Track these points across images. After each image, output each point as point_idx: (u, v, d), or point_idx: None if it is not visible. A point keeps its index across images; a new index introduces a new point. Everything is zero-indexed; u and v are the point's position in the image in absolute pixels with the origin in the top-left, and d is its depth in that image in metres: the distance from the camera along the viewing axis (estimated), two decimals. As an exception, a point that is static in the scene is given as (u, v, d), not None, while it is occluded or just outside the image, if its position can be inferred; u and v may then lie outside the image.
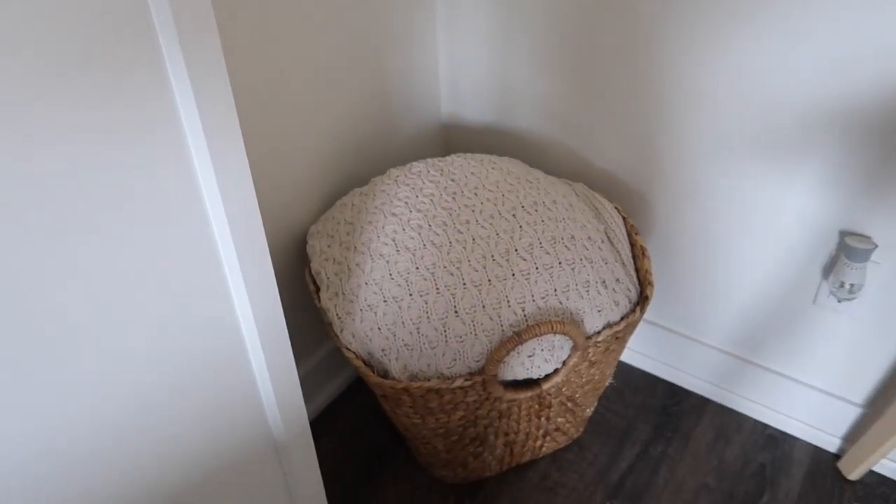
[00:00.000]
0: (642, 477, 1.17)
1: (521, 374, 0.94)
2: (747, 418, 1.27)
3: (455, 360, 0.90)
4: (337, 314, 0.94)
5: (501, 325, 0.91)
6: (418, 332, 0.90)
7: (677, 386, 1.34)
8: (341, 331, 0.94)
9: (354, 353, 0.93)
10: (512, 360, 0.93)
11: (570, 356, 0.96)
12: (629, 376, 1.37)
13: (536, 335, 0.88)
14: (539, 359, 0.94)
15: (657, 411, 1.29)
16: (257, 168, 0.99)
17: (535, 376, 0.95)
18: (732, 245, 1.13)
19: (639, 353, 1.37)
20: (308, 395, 1.26)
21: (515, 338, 0.88)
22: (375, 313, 0.92)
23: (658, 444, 1.23)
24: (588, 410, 1.16)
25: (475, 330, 0.90)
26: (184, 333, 0.58)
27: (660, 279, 1.26)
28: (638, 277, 1.05)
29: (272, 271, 0.63)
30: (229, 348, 0.63)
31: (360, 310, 0.93)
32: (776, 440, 1.23)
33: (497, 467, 1.15)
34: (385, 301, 0.92)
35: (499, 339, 0.90)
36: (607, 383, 1.13)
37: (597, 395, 1.14)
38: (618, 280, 1.01)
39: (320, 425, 1.27)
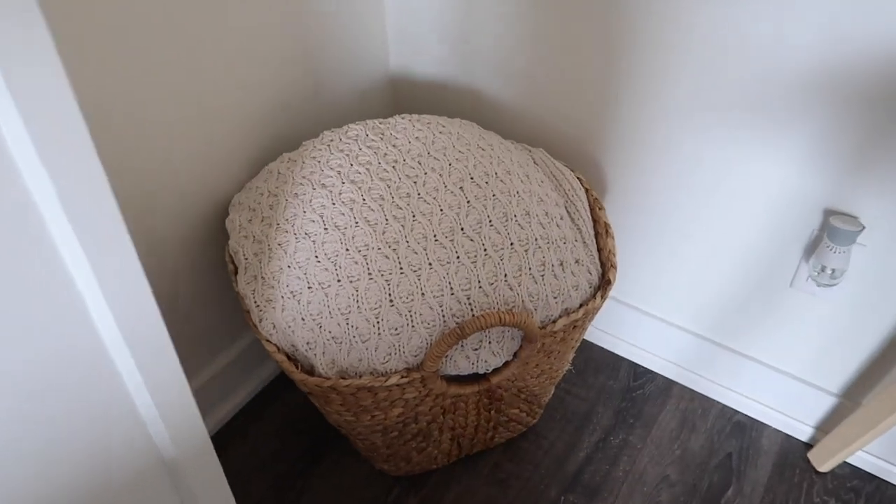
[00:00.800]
0: (601, 468, 1.09)
1: (465, 369, 0.84)
2: (715, 403, 1.19)
3: (390, 354, 0.79)
4: (255, 301, 0.82)
5: (443, 316, 0.80)
6: (347, 324, 0.79)
7: (642, 367, 1.25)
8: (260, 321, 0.82)
9: (276, 345, 0.82)
10: (455, 354, 0.82)
11: (521, 348, 0.86)
12: (591, 355, 1.28)
13: (482, 328, 0.77)
14: (486, 352, 0.83)
15: (619, 394, 1.20)
16: (167, 126, 0.85)
17: (481, 371, 0.84)
18: (704, 220, 1.03)
19: (601, 330, 1.28)
20: (242, 379, 1.15)
21: (458, 331, 0.77)
22: (299, 301, 0.80)
23: (619, 431, 1.15)
24: (544, 399, 1.07)
25: (412, 321, 0.79)
26: (20, 347, 0.46)
27: (625, 254, 1.15)
28: (600, 258, 0.94)
29: (136, 257, 0.50)
30: (87, 360, 0.51)
31: (282, 297, 0.81)
32: (744, 427, 1.15)
33: (444, 460, 1.05)
34: (310, 287, 0.80)
35: (440, 332, 0.80)
36: (566, 370, 1.04)
37: (554, 383, 1.04)
38: (577, 261, 0.90)
39: (253, 411, 1.17)
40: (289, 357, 0.82)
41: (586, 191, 0.99)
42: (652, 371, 1.24)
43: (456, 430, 0.97)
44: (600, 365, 1.26)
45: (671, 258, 1.10)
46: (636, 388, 1.22)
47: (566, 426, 1.15)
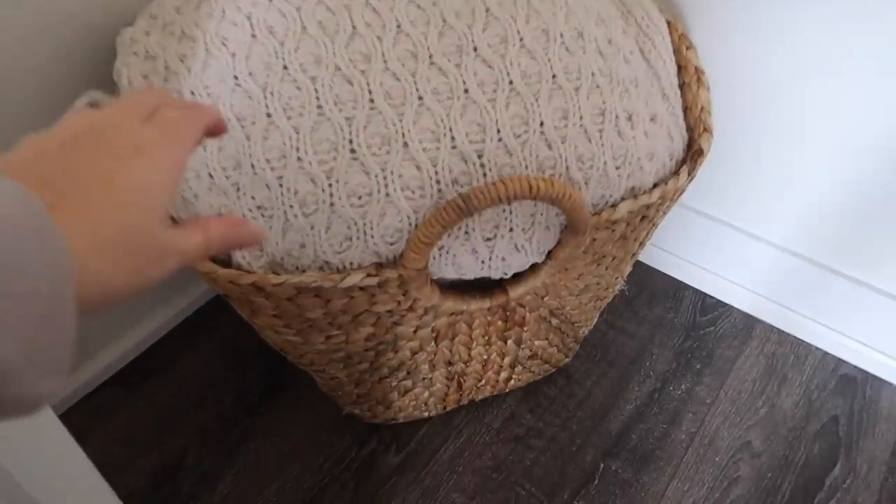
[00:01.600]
0: (656, 427, 0.80)
1: (471, 271, 0.53)
2: (812, 348, 0.88)
3: (350, 238, 0.49)
4: (139, 146, 0.52)
5: (437, 180, 0.49)
6: (281, 185, 0.49)
7: (712, 297, 0.94)
8: (147, 177, 0.52)
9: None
10: (454, 244, 0.52)
11: (560, 243, 0.55)
12: (645, 278, 0.97)
13: (499, 202, 0.46)
14: (504, 244, 0.52)
15: (682, 331, 0.90)
16: None
17: (495, 276, 0.54)
18: (824, 91, 0.70)
19: (659, 248, 0.96)
20: (179, 285, 0.87)
21: (460, 204, 0.46)
22: (204, 148, 0.50)
23: (681, 379, 0.85)
24: (583, 330, 0.77)
25: (387, 185, 0.49)
26: None
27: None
28: (686, 118, 0.62)
29: None
30: None
31: (180, 139, 0.51)
32: (855, 382, 0.85)
33: (438, 406, 0.77)
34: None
35: (431, 205, 0.49)
36: (618, 289, 0.73)
37: (599, 308, 0.74)
38: (653, 119, 0.58)
39: (193, 327, 0.88)
40: (193, 238, 0.52)
41: (668, 24, 0.66)
42: (725, 304, 0.93)
43: (455, 364, 0.68)
44: (656, 292, 0.95)
45: (766, 147, 0.78)
46: (705, 324, 0.91)
47: (609, 370, 0.85)
